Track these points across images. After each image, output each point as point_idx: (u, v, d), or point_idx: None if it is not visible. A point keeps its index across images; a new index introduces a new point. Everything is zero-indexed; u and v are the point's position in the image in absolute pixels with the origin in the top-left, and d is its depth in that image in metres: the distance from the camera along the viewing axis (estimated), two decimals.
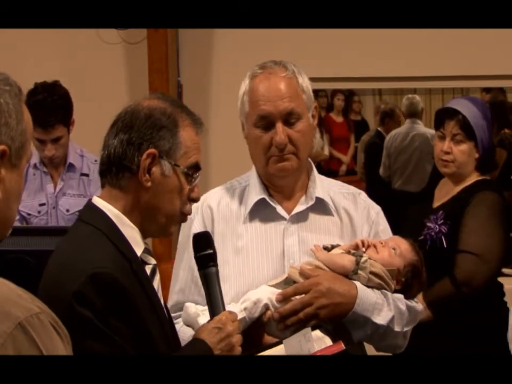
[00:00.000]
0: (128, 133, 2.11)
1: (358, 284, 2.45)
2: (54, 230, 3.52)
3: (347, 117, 10.00)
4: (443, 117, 3.59)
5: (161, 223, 2.16)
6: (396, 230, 2.79)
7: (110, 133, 2.14)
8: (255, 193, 2.63)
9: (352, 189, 2.72)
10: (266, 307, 2.41)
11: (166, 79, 5.55)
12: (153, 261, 2.18)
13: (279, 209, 2.61)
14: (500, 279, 3.64)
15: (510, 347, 2.90)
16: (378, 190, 7.55)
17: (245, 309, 2.38)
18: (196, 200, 2.21)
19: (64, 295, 1.96)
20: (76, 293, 1.96)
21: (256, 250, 2.59)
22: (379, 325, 2.45)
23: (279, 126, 2.53)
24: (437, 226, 3.49)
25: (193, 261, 2.60)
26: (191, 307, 2.42)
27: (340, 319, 2.42)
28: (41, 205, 4.27)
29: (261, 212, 2.62)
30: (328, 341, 2.34)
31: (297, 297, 2.43)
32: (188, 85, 5.86)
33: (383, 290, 2.48)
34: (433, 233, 3.46)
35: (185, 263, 2.64)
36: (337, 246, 2.55)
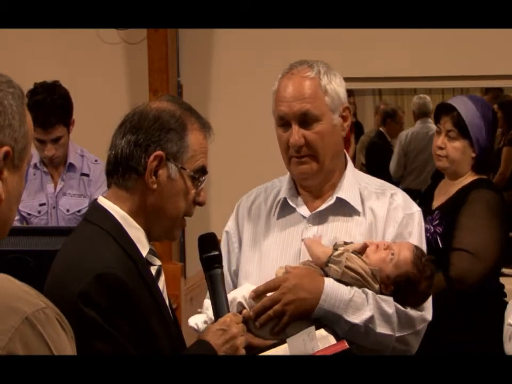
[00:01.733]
0: (136, 134, 2.10)
1: (330, 280, 2.43)
2: (54, 230, 3.53)
3: None
4: (440, 112, 3.62)
5: (165, 226, 2.15)
6: None
7: (118, 133, 2.14)
8: (281, 193, 2.65)
9: (388, 188, 2.66)
10: (242, 305, 2.42)
11: (166, 79, 5.56)
12: (158, 262, 2.18)
13: (300, 209, 2.61)
14: (500, 279, 3.63)
15: (504, 348, 2.90)
16: None
17: None
18: (201, 204, 2.21)
19: (69, 295, 1.96)
20: (81, 293, 1.96)
21: (276, 249, 2.60)
22: (353, 323, 2.41)
23: (295, 127, 2.52)
24: (432, 227, 3.49)
25: (224, 258, 2.62)
26: (206, 302, 2.45)
27: (308, 315, 2.40)
28: (41, 204, 4.28)
29: (284, 212, 2.63)
30: (332, 340, 2.33)
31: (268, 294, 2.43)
32: (188, 85, 5.86)
33: (365, 289, 2.44)
34: (428, 234, 3.45)
35: None
36: (351, 243, 2.52)
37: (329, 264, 2.43)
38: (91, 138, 4.26)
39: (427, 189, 3.91)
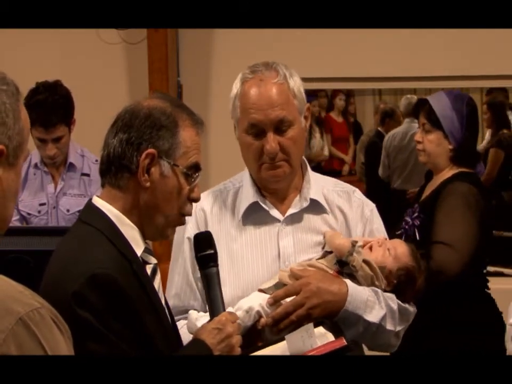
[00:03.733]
0: (128, 133, 2.10)
1: (348, 282, 2.45)
2: (54, 230, 3.52)
3: (347, 117, 10.00)
4: (417, 108, 3.72)
5: (159, 224, 2.15)
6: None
7: (110, 132, 2.14)
8: (248, 196, 2.61)
9: (346, 186, 2.71)
10: (259, 314, 2.40)
11: (166, 79, 5.56)
12: (154, 261, 2.17)
13: (272, 212, 2.60)
14: (500, 279, 3.64)
15: (507, 347, 2.92)
16: (378, 190, 7.56)
17: None
18: (196, 200, 2.20)
19: (63, 296, 1.95)
20: (75, 294, 1.95)
21: (251, 253, 2.58)
22: (371, 322, 2.44)
23: (270, 135, 2.50)
24: (411, 220, 3.55)
25: (188, 265, 2.60)
26: (193, 314, 2.42)
27: (332, 318, 2.41)
28: (41, 204, 4.27)
29: (254, 215, 2.60)
30: (330, 337, 2.33)
31: (288, 299, 2.42)
32: (188, 85, 5.86)
33: (374, 288, 2.48)
34: (407, 227, 3.52)
35: (180, 267, 2.62)
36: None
37: (354, 254, 2.44)
38: (91, 138, 4.24)
39: (421, 186, 3.95)
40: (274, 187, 2.61)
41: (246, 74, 2.57)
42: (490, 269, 3.82)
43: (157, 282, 2.16)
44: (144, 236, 2.15)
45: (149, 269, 2.14)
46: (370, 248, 2.52)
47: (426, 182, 3.80)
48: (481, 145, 7.32)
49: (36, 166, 4.29)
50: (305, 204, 2.60)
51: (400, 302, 2.52)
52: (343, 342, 2.28)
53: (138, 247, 2.11)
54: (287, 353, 2.28)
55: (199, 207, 2.62)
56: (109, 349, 1.94)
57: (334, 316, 2.42)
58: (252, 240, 2.59)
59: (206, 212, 2.64)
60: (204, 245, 2.27)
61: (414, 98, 8.03)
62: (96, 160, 4.28)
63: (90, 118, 5.14)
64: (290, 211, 2.60)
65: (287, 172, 2.55)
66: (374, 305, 2.45)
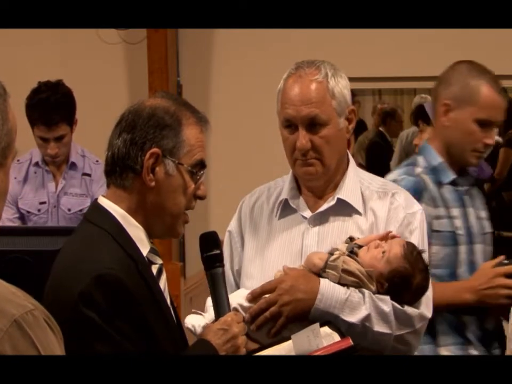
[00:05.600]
0: (131, 133, 2.10)
1: (325, 281, 2.43)
2: (54, 230, 3.52)
3: None
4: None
5: (167, 223, 2.15)
6: None
7: (114, 133, 2.14)
8: (284, 193, 2.64)
9: (389, 188, 2.65)
10: (237, 311, 2.39)
11: (166, 79, 5.56)
12: (159, 261, 2.17)
13: (301, 210, 2.60)
14: None
15: (508, 347, 2.91)
16: None
17: None
18: (201, 197, 2.20)
19: (69, 296, 1.95)
20: (81, 294, 1.95)
21: (278, 250, 2.59)
22: (350, 323, 2.41)
23: (302, 131, 2.51)
24: None
25: (226, 258, 2.63)
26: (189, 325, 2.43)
27: (304, 316, 2.40)
28: (41, 203, 4.27)
29: (286, 213, 2.62)
30: (336, 337, 2.32)
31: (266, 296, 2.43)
32: (188, 85, 5.87)
33: (362, 289, 2.44)
34: None
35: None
36: (357, 238, 2.52)
37: (327, 270, 2.43)
38: (91, 138, 4.26)
39: None
40: (308, 184, 2.62)
41: (290, 70, 2.58)
42: None
43: (162, 282, 2.16)
44: (152, 235, 2.16)
45: (154, 269, 2.14)
46: (367, 248, 2.50)
47: None
48: None
49: (36, 164, 4.29)
50: (332, 203, 2.58)
51: (396, 304, 2.46)
52: (349, 342, 2.27)
53: (144, 247, 2.12)
54: (293, 354, 2.28)
55: (245, 203, 2.70)
56: (114, 349, 1.94)
57: (305, 314, 2.40)
58: (281, 237, 2.61)
59: (247, 208, 2.68)
60: (210, 245, 2.26)
61: (428, 98, 7.99)
62: (97, 161, 4.28)
63: (90, 117, 5.15)
64: (319, 210, 2.59)
65: (319, 170, 2.55)
66: (357, 306, 2.41)
